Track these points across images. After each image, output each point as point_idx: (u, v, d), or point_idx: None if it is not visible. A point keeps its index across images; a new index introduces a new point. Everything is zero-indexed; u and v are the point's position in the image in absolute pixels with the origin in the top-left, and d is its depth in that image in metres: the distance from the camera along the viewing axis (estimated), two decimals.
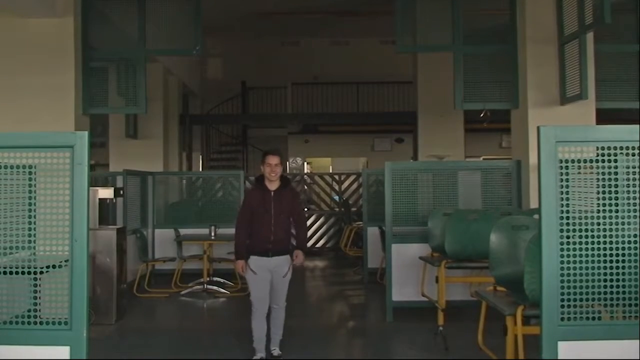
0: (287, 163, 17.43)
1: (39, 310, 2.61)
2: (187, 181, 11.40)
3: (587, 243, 2.68)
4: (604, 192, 2.71)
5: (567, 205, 2.74)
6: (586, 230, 2.68)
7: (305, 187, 14.35)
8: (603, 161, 2.70)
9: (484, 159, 14.47)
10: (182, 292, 8.65)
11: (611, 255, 2.70)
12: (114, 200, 8.00)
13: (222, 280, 8.90)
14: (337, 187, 14.26)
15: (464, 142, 12.74)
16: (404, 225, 7.17)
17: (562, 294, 2.64)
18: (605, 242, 2.69)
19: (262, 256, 5.21)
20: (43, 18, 7.41)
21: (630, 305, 2.71)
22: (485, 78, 7.67)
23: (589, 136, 2.71)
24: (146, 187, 9.84)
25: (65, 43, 7.50)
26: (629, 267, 2.71)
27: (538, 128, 2.65)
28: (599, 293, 2.70)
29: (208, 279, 8.75)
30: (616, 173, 2.70)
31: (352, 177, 14.27)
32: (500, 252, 4.34)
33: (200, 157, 17.57)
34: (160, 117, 12.45)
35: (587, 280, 2.67)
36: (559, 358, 2.63)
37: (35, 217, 2.76)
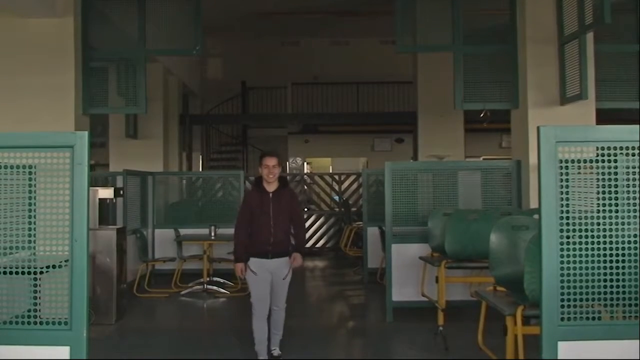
0: (287, 163, 17.44)
1: (39, 310, 2.61)
2: (187, 181, 11.40)
3: (587, 243, 2.68)
4: (604, 192, 2.71)
5: (567, 205, 2.74)
6: (586, 230, 2.68)
7: (305, 187, 14.35)
8: (603, 161, 2.70)
9: (484, 159, 14.47)
10: (182, 292, 8.65)
11: (611, 255, 2.70)
12: (114, 200, 8.00)
13: (222, 280, 8.90)
14: (337, 187, 14.26)
15: (464, 142, 12.74)
16: (404, 225, 7.16)
17: (562, 294, 2.64)
18: (605, 242, 2.69)
19: (262, 258, 5.19)
20: (43, 18, 7.41)
21: (630, 305, 2.71)
22: (485, 78, 7.67)
23: (589, 136, 2.71)
24: (146, 187, 9.84)
25: (65, 43, 7.50)
26: (629, 267, 2.71)
27: (538, 128, 2.65)
28: (599, 293, 2.70)
29: (208, 279, 8.75)
30: (616, 173, 2.70)
31: (352, 177, 14.26)
32: (500, 252, 4.34)
33: (200, 157, 17.57)
34: (160, 117, 12.45)
35: (587, 280, 2.67)
36: (559, 358, 2.63)
37: (35, 217, 2.76)
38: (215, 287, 8.70)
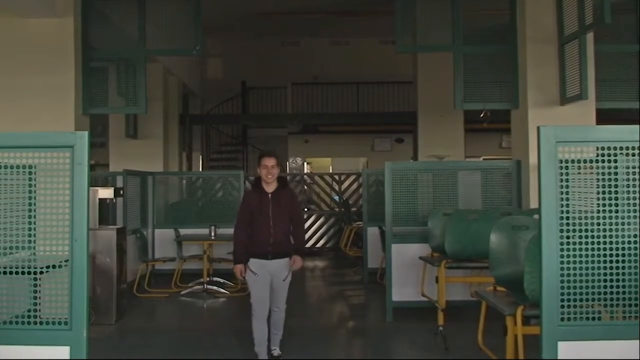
0: (287, 163, 17.44)
1: (39, 310, 2.61)
2: (187, 181, 11.40)
3: (587, 243, 2.68)
4: (604, 192, 2.71)
5: (567, 205, 2.74)
6: (586, 230, 2.68)
7: (305, 187, 14.35)
8: (603, 161, 2.70)
9: (484, 159, 14.47)
10: (182, 292, 8.65)
11: (611, 255, 2.70)
12: (114, 200, 7.99)
13: (222, 280, 8.89)
14: (337, 187, 14.26)
15: (464, 142, 12.74)
16: (404, 225, 7.16)
17: (562, 294, 2.64)
18: (605, 242, 2.69)
19: (262, 259, 5.16)
20: (43, 18, 7.41)
21: (630, 305, 2.71)
22: (485, 78, 7.67)
23: (589, 136, 2.71)
24: (146, 187, 9.84)
25: (65, 43, 7.50)
26: (629, 267, 2.71)
27: (538, 128, 2.65)
28: (599, 293, 2.69)
29: (208, 279, 8.75)
30: (616, 173, 2.70)
31: (352, 177, 14.26)
32: (500, 252, 4.34)
33: (200, 157, 17.57)
34: (160, 117, 12.46)
35: (587, 280, 2.67)
36: (559, 358, 2.63)
37: (35, 217, 2.76)
38: (215, 287, 8.70)
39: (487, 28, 8.06)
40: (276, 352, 5.37)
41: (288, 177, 14.51)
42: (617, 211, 2.70)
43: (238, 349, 5.80)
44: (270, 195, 5.20)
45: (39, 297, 2.64)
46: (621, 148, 2.68)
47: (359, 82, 16.80)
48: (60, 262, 2.60)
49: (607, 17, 5.93)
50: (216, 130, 17.97)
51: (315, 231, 13.64)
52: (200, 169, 17.26)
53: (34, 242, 2.68)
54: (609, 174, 2.70)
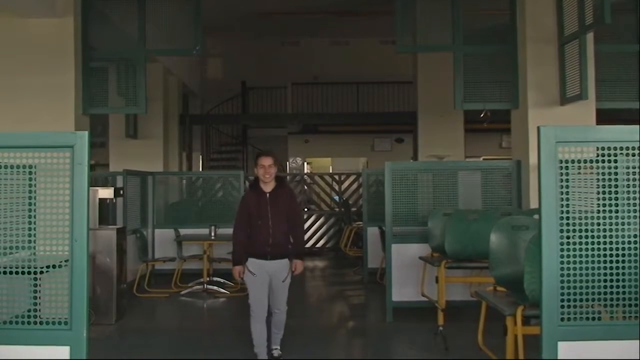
0: (287, 163, 17.44)
1: (39, 310, 2.61)
2: (187, 181, 11.40)
3: (587, 243, 2.68)
4: (604, 192, 2.71)
5: (567, 205, 2.74)
6: (586, 230, 2.68)
7: (305, 187, 14.35)
8: (603, 161, 2.70)
9: (484, 159, 14.47)
10: (182, 292, 8.65)
11: (611, 255, 2.70)
12: (114, 200, 7.99)
13: (222, 280, 8.89)
14: (337, 187, 14.26)
15: (464, 142, 12.74)
16: (404, 225, 7.16)
17: (562, 294, 2.64)
18: (605, 242, 2.69)
19: (261, 259, 5.13)
20: (43, 18, 7.41)
21: (630, 305, 2.71)
22: (485, 78, 7.67)
23: (589, 136, 2.71)
24: (146, 187, 9.84)
25: (65, 43, 7.50)
26: (629, 267, 2.71)
27: (538, 128, 2.65)
28: (599, 293, 2.69)
29: (208, 279, 8.75)
30: (616, 173, 2.70)
31: (352, 177, 14.26)
32: (500, 252, 4.34)
33: (200, 157, 17.57)
34: (160, 117, 12.46)
35: (587, 280, 2.67)
36: (559, 358, 2.63)
37: (35, 217, 2.75)
38: (215, 287, 8.70)
39: (487, 28, 8.06)
40: (276, 352, 5.37)
41: (288, 177, 14.52)
42: (617, 211, 2.70)
43: (238, 349, 5.80)
44: (268, 195, 5.17)
45: (39, 297, 2.64)
46: (621, 148, 2.68)
47: (359, 82, 16.80)
48: (60, 262, 2.60)
49: (607, 17, 5.93)
50: (216, 130, 17.97)
51: (315, 231, 13.64)
52: (200, 169, 17.26)
53: (34, 242, 2.68)
54: (609, 174, 2.70)
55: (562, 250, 2.65)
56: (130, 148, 12.01)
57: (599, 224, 2.70)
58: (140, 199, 9.57)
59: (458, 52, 7.64)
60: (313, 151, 17.73)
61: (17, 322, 2.61)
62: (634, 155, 2.68)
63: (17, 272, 2.63)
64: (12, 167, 2.66)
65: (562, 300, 2.64)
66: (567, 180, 2.72)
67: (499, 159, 12.74)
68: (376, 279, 9.21)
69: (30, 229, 2.70)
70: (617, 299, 2.71)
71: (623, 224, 2.70)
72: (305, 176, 14.96)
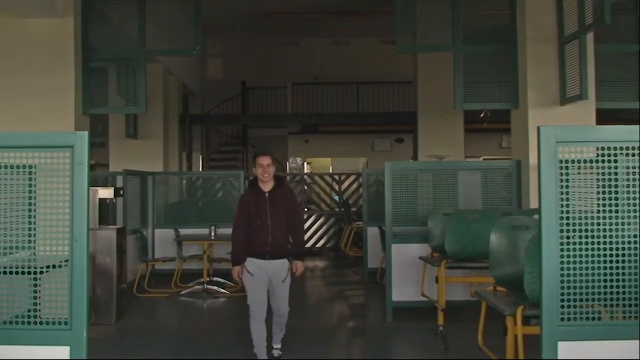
0: (287, 163, 17.44)
1: (39, 310, 2.61)
2: (187, 181, 11.40)
3: (587, 243, 2.68)
4: (604, 192, 2.71)
5: (567, 205, 2.73)
6: (586, 230, 2.68)
7: (305, 187, 14.35)
8: (603, 161, 2.70)
9: (484, 159, 14.47)
10: (182, 292, 8.65)
11: (611, 255, 2.70)
12: (114, 200, 7.99)
13: (222, 280, 8.89)
14: (337, 187, 14.26)
15: (464, 142, 12.75)
16: (404, 225, 7.16)
17: (562, 294, 2.64)
18: (605, 242, 2.69)
19: (260, 259, 5.11)
20: (43, 18, 7.41)
21: (630, 305, 2.71)
22: (485, 78, 7.67)
23: (589, 136, 2.71)
24: (146, 187, 9.84)
25: (65, 43, 7.50)
26: (629, 267, 2.71)
27: (538, 128, 2.65)
28: (599, 293, 2.69)
29: (208, 279, 8.75)
30: (616, 173, 2.70)
31: (352, 177, 14.26)
32: (500, 252, 4.34)
33: (200, 157, 17.58)
34: (160, 117, 12.46)
35: (587, 280, 2.67)
36: (559, 358, 2.63)
37: (35, 217, 2.75)
38: (215, 287, 8.69)
39: (487, 28, 8.06)
40: (277, 352, 5.37)
41: (288, 177, 14.52)
42: (617, 211, 2.70)
43: (238, 349, 5.80)
44: (267, 194, 5.16)
45: (39, 297, 2.64)
46: (621, 148, 2.68)
47: (359, 82, 16.80)
48: (60, 262, 2.60)
49: (607, 17, 5.93)
50: (216, 130, 17.97)
51: (315, 231, 13.64)
52: (200, 169, 17.26)
53: (34, 242, 2.68)
54: (609, 174, 2.70)
55: (562, 250, 2.65)
56: (130, 148, 12.01)
57: (599, 224, 2.70)
58: (140, 199, 9.57)
59: (458, 52, 7.65)
60: (313, 151, 17.73)
61: (17, 322, 2.61)
62: (634, 155, 2.68)
63: (17, 272, 2.63)
64: (12, 167, 2.66)
65: (562, 300, 2.64)
66: (567, 180, 2.72)
67: (499, 159, 12.74)
68: (376, 279, 9.21)
69: (30, 229, 2.70)
70: (617, 299, 2.71)
71: (623, 224, 2.70)
72: (305, 176, 14.95)
